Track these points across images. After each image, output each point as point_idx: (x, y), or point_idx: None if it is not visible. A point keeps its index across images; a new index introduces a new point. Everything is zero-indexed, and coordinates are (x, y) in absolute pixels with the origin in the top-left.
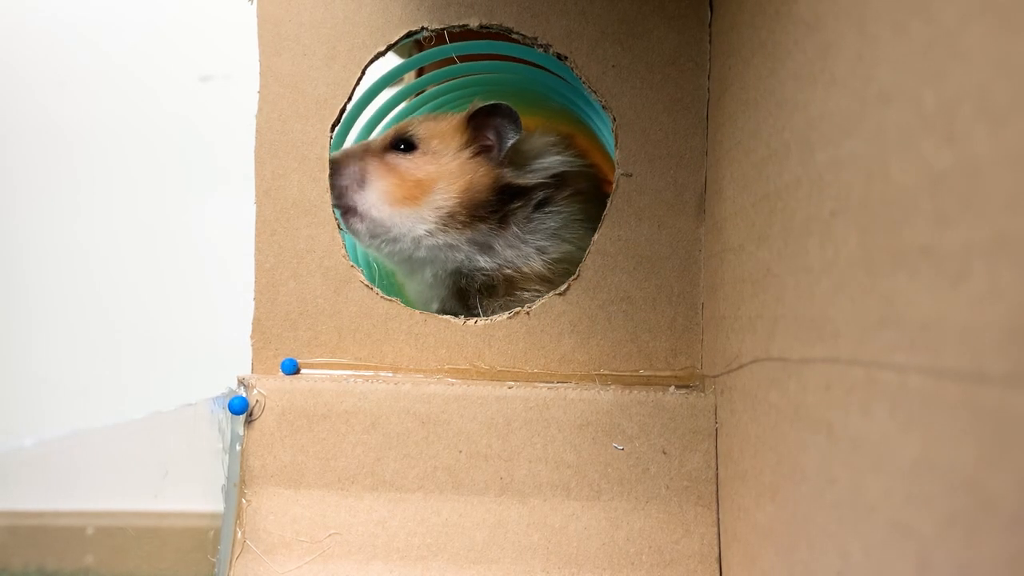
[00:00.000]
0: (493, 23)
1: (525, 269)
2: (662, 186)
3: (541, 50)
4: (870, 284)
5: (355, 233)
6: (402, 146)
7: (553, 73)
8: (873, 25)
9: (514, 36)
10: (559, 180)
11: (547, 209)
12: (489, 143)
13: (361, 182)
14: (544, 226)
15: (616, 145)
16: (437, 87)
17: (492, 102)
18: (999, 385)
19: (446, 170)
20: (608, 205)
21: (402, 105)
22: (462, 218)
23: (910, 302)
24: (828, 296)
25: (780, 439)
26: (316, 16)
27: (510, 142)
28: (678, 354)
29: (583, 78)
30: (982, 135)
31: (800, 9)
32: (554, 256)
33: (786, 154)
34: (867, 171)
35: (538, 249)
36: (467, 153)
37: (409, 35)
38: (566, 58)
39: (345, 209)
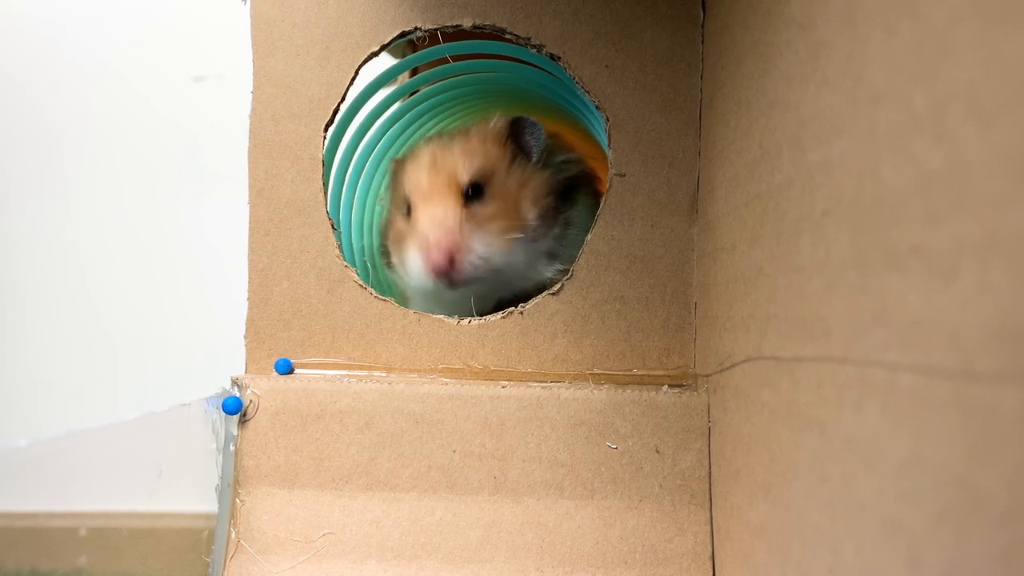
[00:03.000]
0: (486, 23)
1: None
2: (655, 186)
3: (534, 51)
4: (861, 283)
5: (470, 289)
6: (469, 192)
7: (547, 72)
8: (864, 26)
9: (507, 36)
10: (583, 177)
11: (584, 205)
12: (522, 150)
13: (467, 249)
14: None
15: (609, 145)
16: (431, 87)
17: (511, 117)
18: (988, 383)
19: (518, 187)
20: (601, 205)
21: (396, 105)
22: (542, 229)
23: (901, 301)
24: (820, 295)
25: (772, 438)
26: (309, 16)
27: (539, 146)
28: (671, 353)
29: (576, 78)
30: (972, 135)
31: (792, 10)
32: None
33: (778, 154)
34: (858, 171)
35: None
36: (517, 166)
37: (402, 35)
38: (559, 58)
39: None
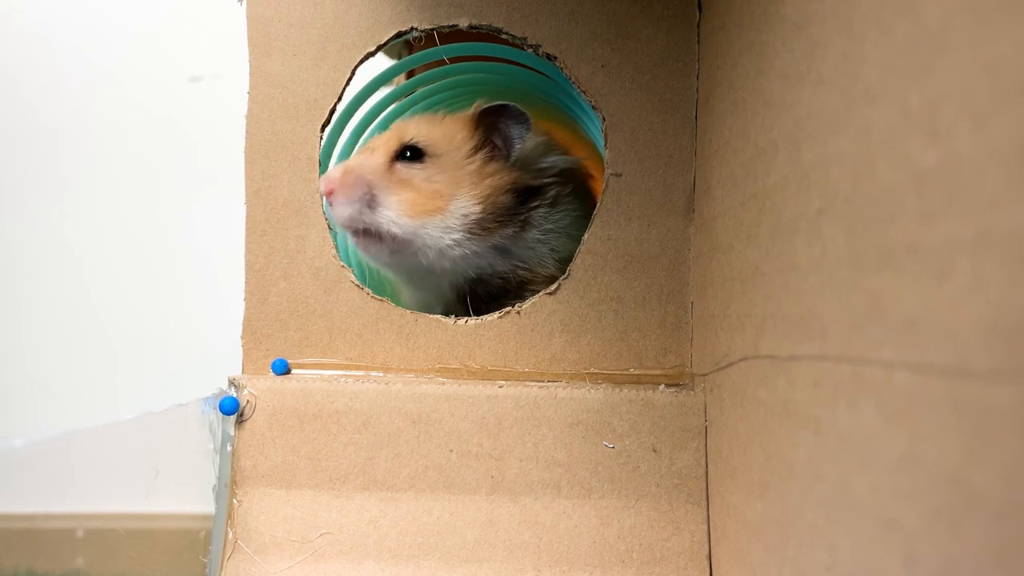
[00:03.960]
0: (483, 23)
1: (539, 269)
2: (651, 186)
3: (531, 50)
4: (857, 281)
5: (373, 254)
6: (407, 154)
7: (542, 74)
8: (859, 25)
9: (503, 36)
10: (563, 178)
11: (559, 208)
12: (494, 144)
13: (372, 200)
14: (559, 225)
15: (606, 145)
16: (427, 87)
17: (499, 103)
18: (983, 380)
19: (464, 175)
20: (598, 205)
21: (392, 106)
22: (488, 224)
23: (896, 299)
24: (815, 294)
25: (769, 436)
26: (306, 16)
27: (519, 143)
28: (668, 353)
29: (572, 78)
30: (966, 133)
31: (788, 9)
32: (563, 255)
33: (774, 153)
34: (853, 170)
35: (552, 249)
36: (480, 156)
37: (399, 35)
38: (555, 58)
39: (359, 231)
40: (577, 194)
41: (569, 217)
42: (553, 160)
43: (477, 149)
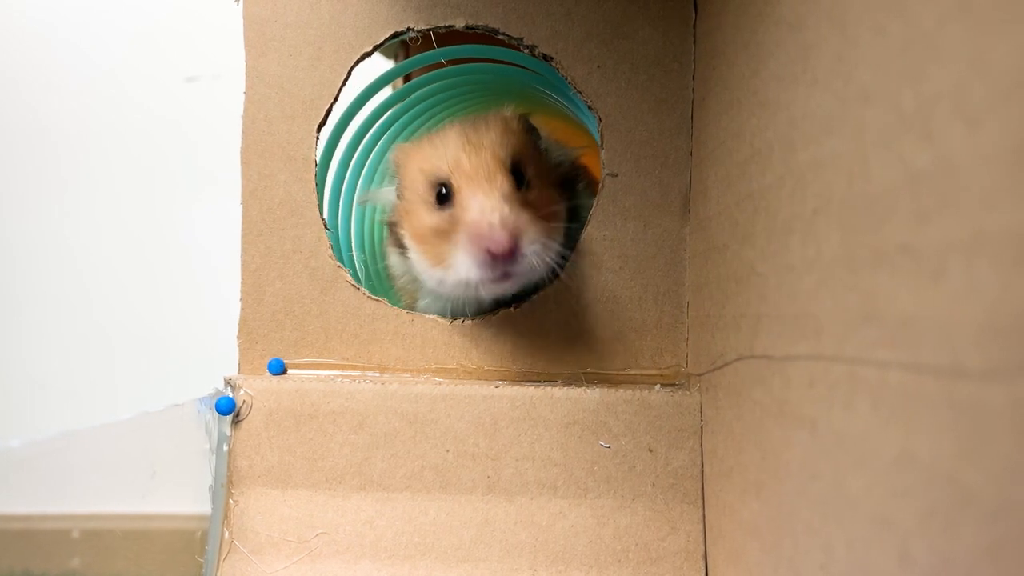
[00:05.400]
0: (479, 24)
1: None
2: (647, 186)
3: (527, 51)
4: (851, 281)
5: (506, 289)
6: (512, 175)
7: (539, 74)
8: (853, 26)
9: (500, 37)
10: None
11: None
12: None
13: (533, 240)
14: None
15: (602, 145)
16: (425, 88)
17: (515, 110)
18: (976, 380)
19: (548, 182)
20: (594, 205)
21: (392, 109)
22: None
23: (890, 299)
24: (811, 294)
25: (764, 436)
26: (302, 17)
27: (542, 142)
28: (664, 353)
29: (569, 79)
30: (959, 134)
31: (783, 11)
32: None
33: (769, 154)
34: (848, 170)
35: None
36: (544, 165)
37: (395, 36)
38: (552, 59)
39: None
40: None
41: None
42: (565, 150)
43: (534, 148)
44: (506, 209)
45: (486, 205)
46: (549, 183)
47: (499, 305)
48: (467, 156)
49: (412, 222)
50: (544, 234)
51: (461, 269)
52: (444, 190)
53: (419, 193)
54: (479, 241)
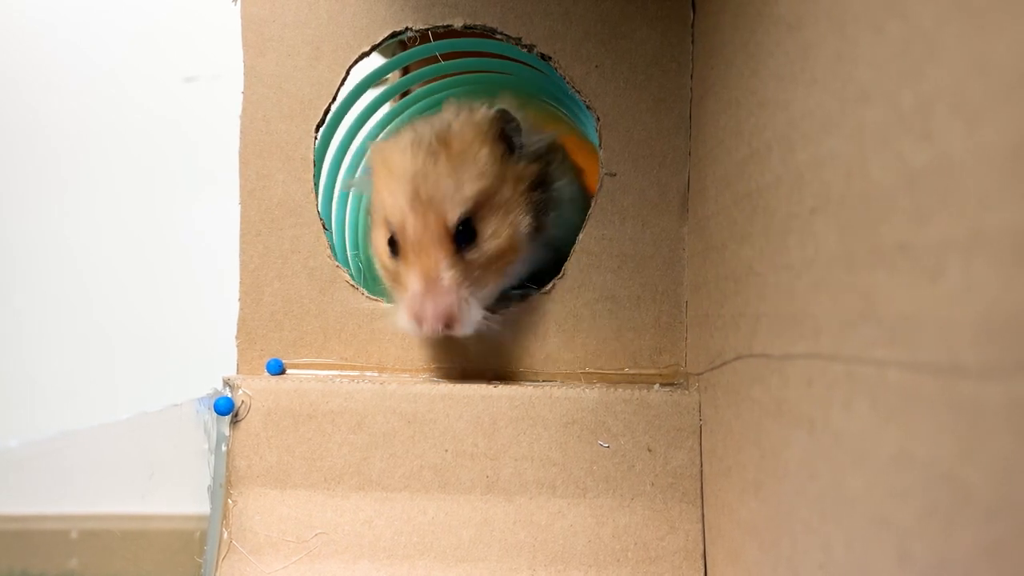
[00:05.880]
0: (477, 23)
1: (573, 237)
2: (646, 185)
3: (525, 50)
4: (849, 280)
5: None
6: (460, 229)
7: (537, 69)
8: (852, 26)
9: (498, 36)
10: (552, 153)
11: (561, 179)
12: (511, 146)
13: (464, 310)
14: (565, 193)
15: (600, 145)
16: (423, 87)
17: (495, 110)
18: (975, 378)
19: (509, 199)
20: (592, 205)
21: (387, 106)
22: (532, 225)
23: (888, 298)
24: (809, 293)
25: (763, 435)
26: (300, 17)
27: (521, 138)
28: (662, 352)
29: (567, 78)
30: (958, 133)
31: (781, 10)
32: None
33: (767, 153)
34: (846, 169)
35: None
36: (502, 162)
37: (393, 35)
38: (550, 58)
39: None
40: (565, 163)
41: (571, 184)
42: (541, 136)
43: (502, 160)
44: (442, 284)
45: (419, 285)
46: (518, 193)
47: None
48: (413, 218)
49: (376, 242)
50: (482, 300)
51: (402, 322)
52: (393, 242)
53: (378, 218)
54: (412, 314)
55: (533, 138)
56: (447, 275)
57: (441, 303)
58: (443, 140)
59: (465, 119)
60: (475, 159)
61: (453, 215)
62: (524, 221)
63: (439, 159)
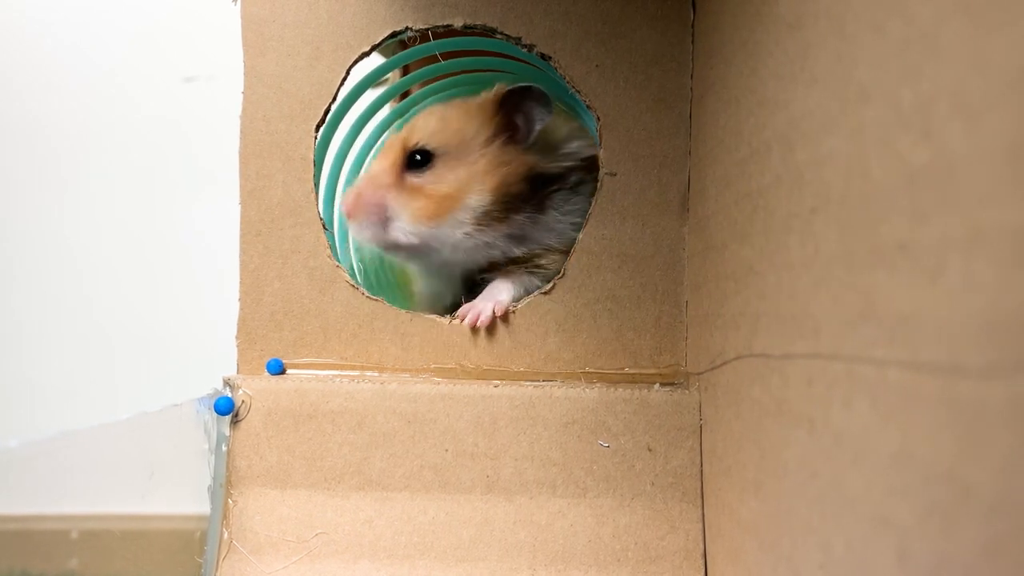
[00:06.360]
0: (477, 23)
1: (559, 247)
2: (646, 185)
3: (525, 50)
4: (850, 280)
5: (400, 260)
6: (418, 158)
7: (537, 69)
8: (852, 25)
9: (498, 36)
10: (589, 164)
11: (581, 191)
12: (516, 127)
13: (385, 219)
14: (579, 208)
15: (600, 144)
16: (423, 88)
17: (523, 84)
18: (975, 378)
19: (475, 170)
20: (592, 204)
21: (387, 107)
22: (497, 214)
23: (889, 297)
24: (809, 292)
25: (763, 434)
26: (300, 16)
27: (539, 125)
28: (663, 352)
29: (567, 78)
30: (957, 132)
31: (781, 9)
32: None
33: (767, 152)
34: (846, 168)
35: (573, 225)
36: (496, 145)
37: (393, 35)
38: (550, 58)
39: (386, 247)
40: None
41: (588, 204)
42: (577, 145)
43: (493, 137)
44: (368, 185)
45: (360, 181)
46: (492, 172)
47: (474, 284)
48: (393, 137)
49: None
50: (408, 219)
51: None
52: None
53: None
54: (344, 204)
55: (574, 143)
56: (383, 182)
57: (362, 195)
58: (470, 99)
59: (482, 95)
60: (456, 119)
61: (411, 141)
62: (480, 197)
63: (455, 105)
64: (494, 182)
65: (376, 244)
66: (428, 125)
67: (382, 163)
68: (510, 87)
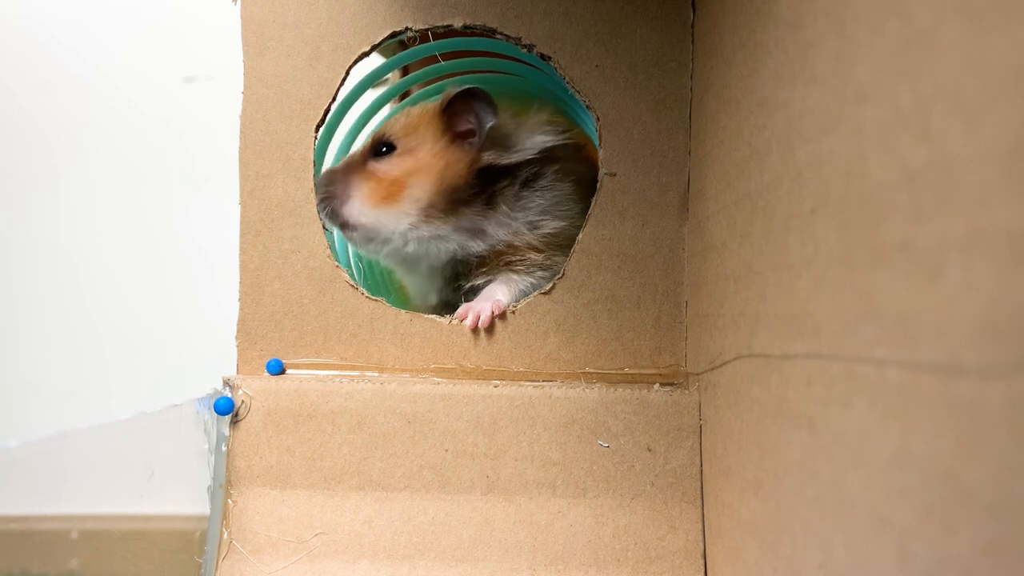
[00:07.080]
0: (477, 23)
1: (517, 243)
2: (646, 185)
3: (525, 50)
4: (849, 280)
5: (352, 242)
6: (383, 149)
7: (537, 69)
8: (851, 25)
9: (498, 36)
10: (547, 158)
11: (536, 187)
12: (471, 127)
13: (345, 195)
14: (533, 203)
15: (600, 144)
16: (423, 89)
17: (466, 87)
18: (974, 378)
19: (421, 163)
20: (592, 204)
21: (387, 107)
22: (442, 206)
23: (888, 297)
24: (808, 292)
25: (763, 434)
26: (300, 17)
27: (488, 125)
28: (662, 352)
29: (567, 78)
30: (957, 132)
31: (781, 9)
32: (547, 231)
33: (767, 152)
34: (846, 168)
35: (529, 224)
36: (443, 142)
37: (393, 35)
38: (550, 58)
39: (339, 224)
40: (570, 176)
41: (551, 196)
42: (535, 140)
43: (442, 135)
44: (339, 167)
45: (336, 167)
46: (438, 169)
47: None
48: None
49: None
50: (360, 201)
51: None
52: None
53: None
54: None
55: (531, 137)
56: (351, 165)
57: (329, 175)
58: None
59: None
60: (417, 120)
61: (381, 133)
62: (422, 187)
63: (421, 105)
64: (436, 174)
65: (328, 220)
66: (398, 120)
67: (357, 151)
68: (456, 90)
